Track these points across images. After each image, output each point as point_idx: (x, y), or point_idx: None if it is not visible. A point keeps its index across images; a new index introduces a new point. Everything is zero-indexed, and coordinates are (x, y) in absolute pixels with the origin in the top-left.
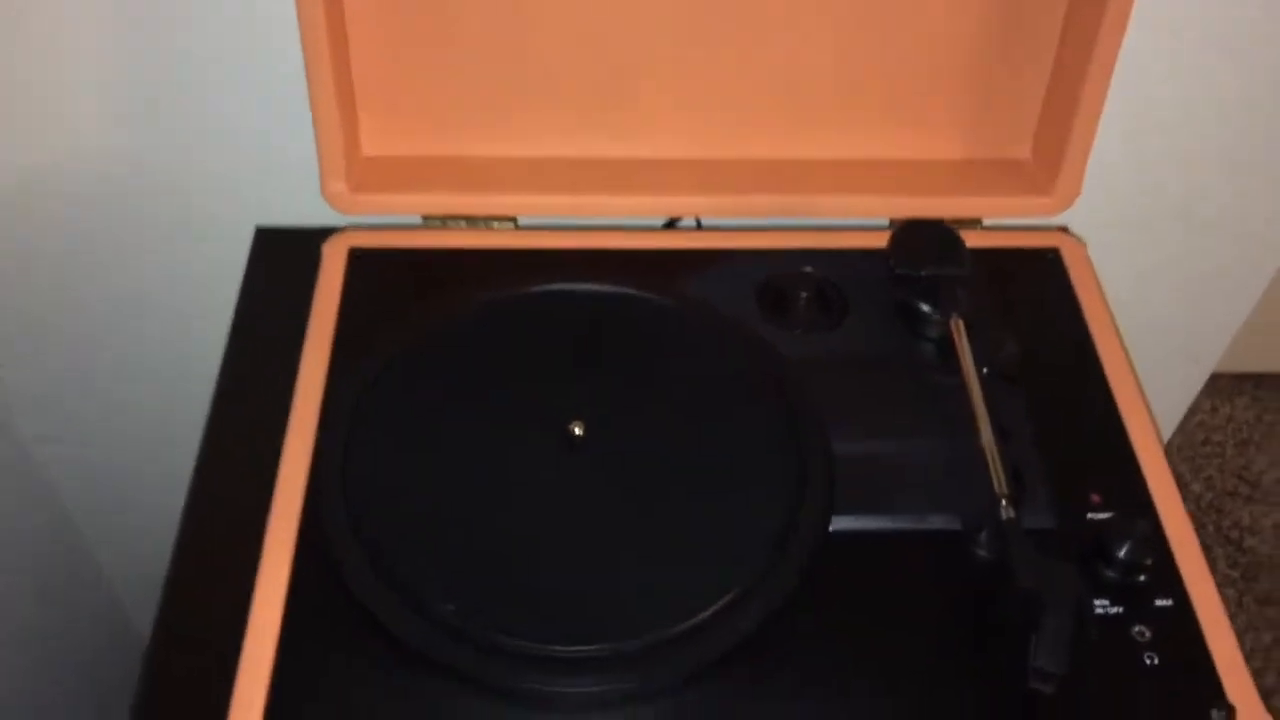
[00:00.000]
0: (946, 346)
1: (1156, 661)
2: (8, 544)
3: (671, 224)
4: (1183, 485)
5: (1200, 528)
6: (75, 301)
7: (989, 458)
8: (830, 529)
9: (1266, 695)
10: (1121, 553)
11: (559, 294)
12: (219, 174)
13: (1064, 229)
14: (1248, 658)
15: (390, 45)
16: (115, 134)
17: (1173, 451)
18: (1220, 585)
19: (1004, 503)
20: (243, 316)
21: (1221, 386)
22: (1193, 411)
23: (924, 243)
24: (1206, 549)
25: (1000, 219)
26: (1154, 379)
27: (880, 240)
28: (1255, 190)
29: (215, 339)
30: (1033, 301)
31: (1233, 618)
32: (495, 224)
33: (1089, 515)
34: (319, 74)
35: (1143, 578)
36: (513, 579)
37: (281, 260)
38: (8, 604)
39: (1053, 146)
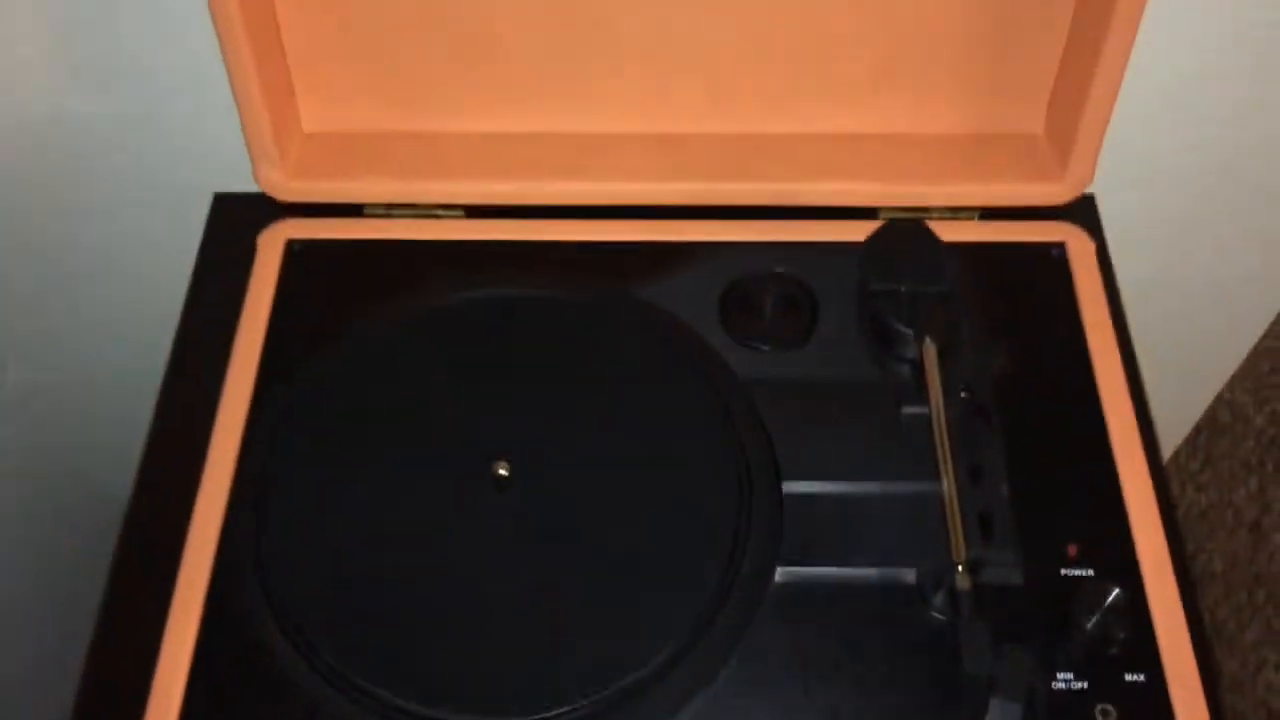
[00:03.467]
0: (920, 371)
1: None
2: None
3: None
4: (1245, 419)
5: (1259, 465)
6: (40, 261)
7: (949, 514)
8: (776, 579)
9: None
10: (1089, 624)
11: (493, 301)
12: (177, 138)
13: (1088, 199)
14: None
15: (326, 10)
16: (74, 96)
17: (1235, 384)
18: (1276, 529)
19: (960, 569)
20: (197, 287)
21: None
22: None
23: (901, 251)
24: (1262, 489)
25: (1003, 204)
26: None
27: (865, 230)
28: None
29: (174, 298)
30: (1028, 308)
31: None
32: (441, 213)
33: (1064, 571)
34: (236, 50)
35: (1115, 650)
36: (431, 640)
37: (237, 227)
38: None
39: (1066, 120)
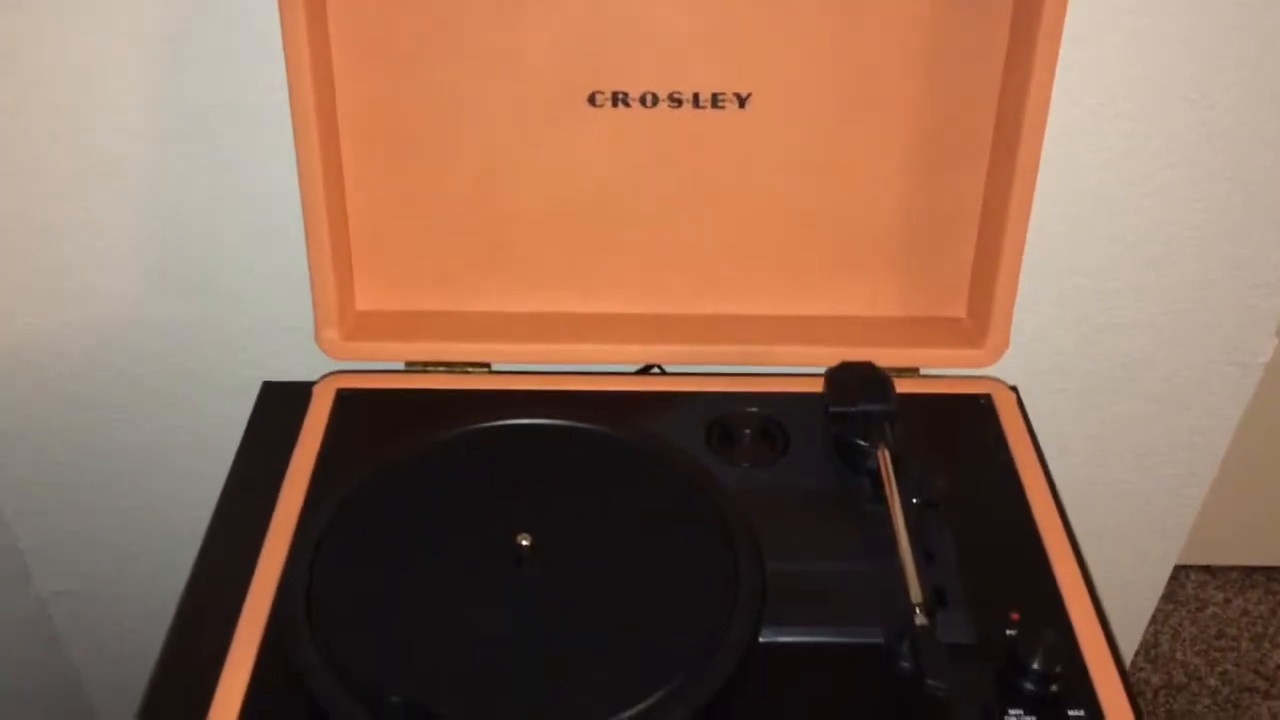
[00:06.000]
0: (878, 478)
1: None
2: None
3: (646, 371)
4: (1198, 679)
5: None
6: (94, 455)
7: (905, 569)
8: (760, 639)
9: None
10: (1032, 663)
11: (519, 428)
12: (233, 337)
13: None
14: None
15: (386, 215)
16: (138, 299)
17: (1186, 647)
18: None
19: (917, 610)
20: (243, 457)
21: (1233, 579)
22: (1204, 604)
23: (855, 382)
24: None
25: (936, 369)
26: (1127, 550)
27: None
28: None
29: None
30: (967, 440)
31: None
32: (471, 369)
33: (1009, 632)
34: (317, 238)
35: (1055, 688)
36: (454, 674)
37: (284, 409)
38: None
39: (982, 305)
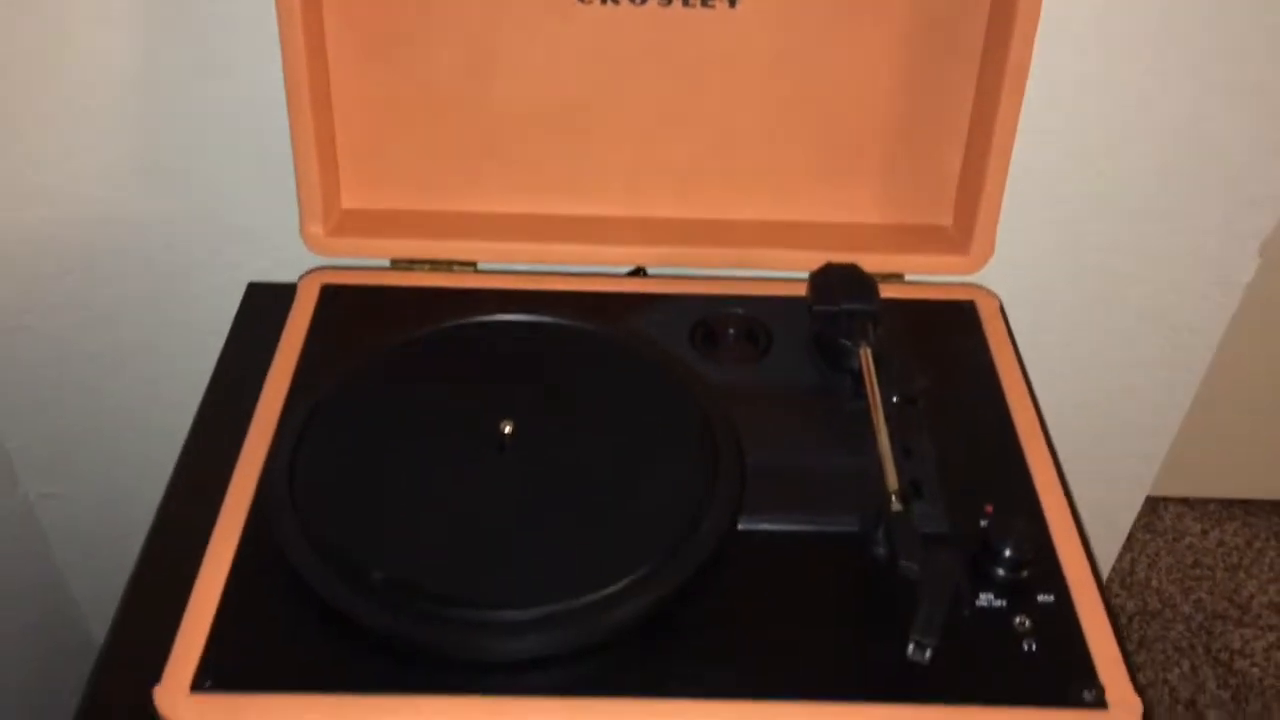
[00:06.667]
0: (860, 376)
1: (1034, 648)
2: None
3: (636, 273)
4: (1172, 606)
5: (1190, 649)
6: (79, 355)
7: (883, 460)
8: (739, 527)
9: None
10: (1003, 550)
11: (505, 324)
12: (219, 237)
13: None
14: None
15: (372, 113)
16: (122, 196)
17: (1163, 575)
18: (1210, 706)
19: (892, 497)
20: (228, 356)
21: (1211, 511)
22: (1182, 535)
23: (839, 282)
24: (1195, 670)
25: (921, 275)
26: (1105, 472)
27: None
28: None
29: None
30: (948, 345)
31: None
32: (457, 267)
33: (982, 523)
34: (302, 134)
35: (1025, 574)
36: (436, 552)
37: (269, 310)
38: None
39: (968, 212)
